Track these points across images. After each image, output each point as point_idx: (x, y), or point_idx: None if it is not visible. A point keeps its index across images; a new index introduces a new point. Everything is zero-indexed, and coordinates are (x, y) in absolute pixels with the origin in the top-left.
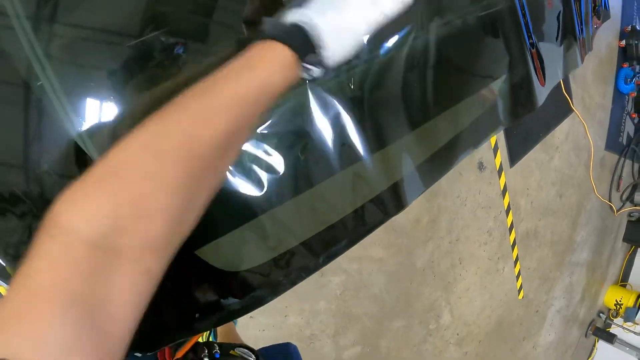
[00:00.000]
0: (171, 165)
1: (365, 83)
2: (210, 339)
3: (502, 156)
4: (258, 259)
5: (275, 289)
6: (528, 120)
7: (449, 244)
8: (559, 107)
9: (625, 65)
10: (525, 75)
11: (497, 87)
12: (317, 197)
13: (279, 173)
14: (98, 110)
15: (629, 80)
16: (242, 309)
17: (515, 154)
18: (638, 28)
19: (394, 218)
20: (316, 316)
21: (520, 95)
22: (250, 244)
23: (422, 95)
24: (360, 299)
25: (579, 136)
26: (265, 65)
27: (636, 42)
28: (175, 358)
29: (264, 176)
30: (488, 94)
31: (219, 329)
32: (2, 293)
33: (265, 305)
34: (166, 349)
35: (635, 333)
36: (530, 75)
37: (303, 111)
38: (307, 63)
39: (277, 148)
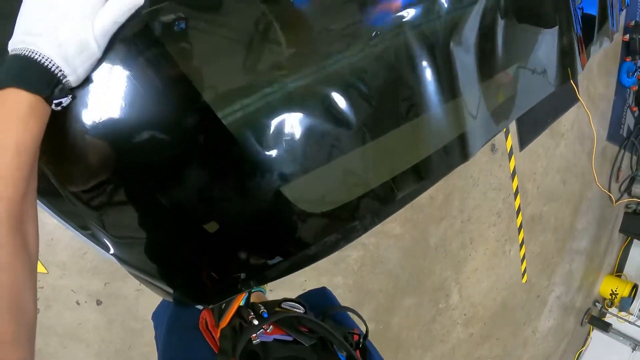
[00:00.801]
0: None
1: (446, 32)
2: None
3: (512, 140)
4: (336, 201)
5: (348, 234)
6: (538, 106)
7: (460, 223)
8: (566, 95)
9: (628, 59)
10: (571, 43)
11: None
12: (394, 142)
13: (360, 116)
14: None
15: (631, 74)
16: (316, 254)
17: (525, 138)
18: None
19: None
20: (334, 291)
21: (566, 61)
22: (330, 186)
23: (493, 48)
24: (376, 274)
25: (583, 125)
26: (9, 123)
27: (639, 37)
28: (220, 327)
29: (347, 116)
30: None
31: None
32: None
33: (285, 279)
34: (207, 317)
35: (629, 322)
36: (574, 45)
37: (387, 55)
38: (55, 99)
39: (363, 88)
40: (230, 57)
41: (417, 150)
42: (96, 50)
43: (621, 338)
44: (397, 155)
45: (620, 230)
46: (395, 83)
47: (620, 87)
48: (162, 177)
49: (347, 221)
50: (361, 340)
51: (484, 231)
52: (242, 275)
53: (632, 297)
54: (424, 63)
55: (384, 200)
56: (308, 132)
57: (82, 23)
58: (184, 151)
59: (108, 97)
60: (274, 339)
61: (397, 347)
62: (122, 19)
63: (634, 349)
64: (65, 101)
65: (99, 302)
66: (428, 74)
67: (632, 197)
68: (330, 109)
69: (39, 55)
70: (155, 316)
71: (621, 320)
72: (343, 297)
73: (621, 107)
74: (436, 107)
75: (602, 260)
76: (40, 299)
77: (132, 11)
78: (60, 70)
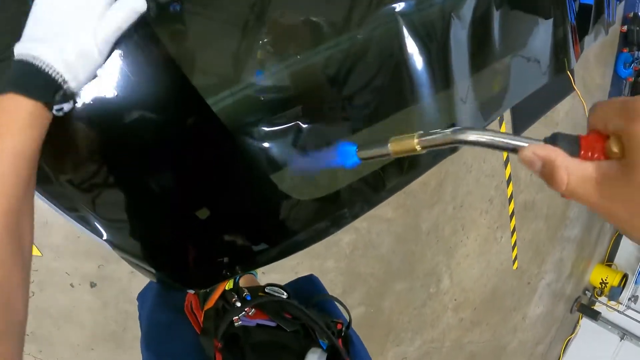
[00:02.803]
0: None
1: (439, 22)
2: None
3: (506, 127)
4: (325, 189)
5: (337, 221)
6: (532, 95)
7: (453, 209)
8: (562, 85)
9: (625, 50)
10: (564, 37)
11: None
12: (385, 131)
13: (350, 104)
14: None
15: (627, 65)
16: (305, 241)
17: (519, 127)
18: None
19: None
20: (325, 274)
21: (559, 54)
22: (320, 173)
23: (487, 39)
24: (368, 258)
25: (578, 115)
26: (9, 131)
27: (637, 28)
28: (205, 309)
29: (337, 104)
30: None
31: (241, 283)
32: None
33: (277, 262)
34: (193, 302)
35: (618, 312)
36: (568, 37)
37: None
38: (56, 104)
39: (354, 76)
40: (221, 43)
41: None
42: (97, 57)
43: (610, 327)
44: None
45: None
46: (387, 72)
47: (617, 78)
48: (151, 162)
49: (336, 208)
50: (344, 329)
51: (476, 217)
52: (230, 261)
53: (621, 286)
54: (417, 52)
55: (373, 188)
56: (298, 120)
57: (85, 30)
58: (172, 137)
59: (96, 81)
60: (257, 324)
61: (388, 331)
62: (125, 25)
63: (622, 338)
64: (67, 107)
65: (92, 285)
66: (420, 63)
67: None
68: (321, 96)
69: (40, 62)
70: (141, 297)
71: (610, 309)
72: (335, 281)
73: (616, 96)
74: (427, 97)
75: (593, 250)
76: (34, 282)
77: (135, 18)
78: (61, 77)
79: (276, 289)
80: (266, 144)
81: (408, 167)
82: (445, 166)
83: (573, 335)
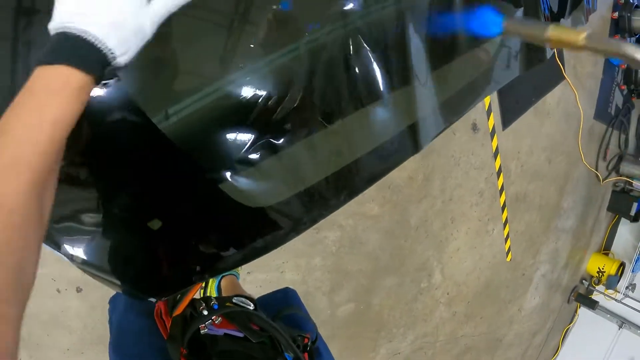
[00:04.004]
0: None
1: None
2: (215, 294)
3: (495, 119)
4: (281, 195)
5: (296, 227)
6: (521, 85)
7: (442, 203)
8: (551, 74)
9: (617, 37)
10: None
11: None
12: (340, 134)
13: (302, 108)
14: None
15: None
16: (265, 247)
17: (507, 118)
18: (631, 1)
19: (389, 175)
20: (312, 272)
21: (532, 47)
22: (274, 180)
23: (444, 35)
24: (355, 255)
25: (569, 104)
26: (55, 100)
27: (628, 14)
28: (173, 315)
29: (291, 109)
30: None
31: (223, 286)
32: None
33: (262, 261)
34: (162, 306)
35: (616, 300)
36: None
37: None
38: (104, 79)
39: (301, 83)
40: (163, 64)
41: (364, 143)
42: (149, 35)
43: (608, 316)
44: (345, 147)
45: (608, 209)
46: (343, 73)
47: (609, 66)
48: (107, 172)
49: (293, 215)
50: (309, 344)
51: (466, 210)
52: (193, 268)
53: (619, 275)
54: (372, 53)
55: (331, 193)
56: (252, 127)
57: (141, 6)
58: (124, 151)
59: None
60: (225, 334)
61: (379, 327)
62: (175, 8)
63: (620, 327)
64: (111, 82)
65: (79, 289)
66: (377, 62)
67: (620, 176)
68: (273, 103)
69: (93, 37)
70: (112, 301)
71: (608, 298)
72: (322, 279)
73: (609, 85)
74: (385, 96)
75: (589, 239)
76: None
77: (184, 2)
78: (112, 53)
79: (243, 299)
80: (219, 152)
81: (359, 173)
82: (431, 160)
83: (571, 324)
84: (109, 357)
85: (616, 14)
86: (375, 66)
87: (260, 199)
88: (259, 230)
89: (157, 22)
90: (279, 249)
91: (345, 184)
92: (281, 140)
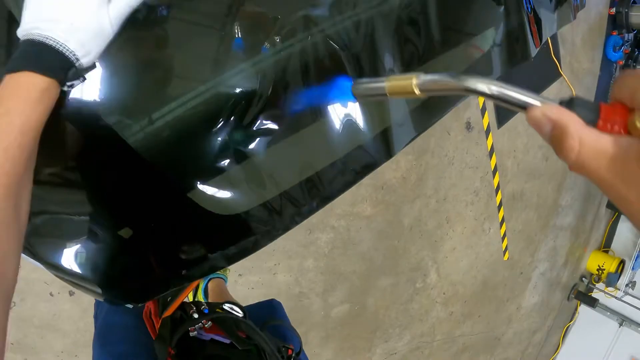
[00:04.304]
0: None
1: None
2: (202, 299)
3: (489, 117)
4: (251, 202)
5: (268, 234)
6: (517, 83)
7: (436, 202)
8: (547, 71)
9: (614, 33)
10: (521, 25)
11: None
12: (310, 139)
13: (272, 113)
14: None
15: (617, 48)
16: (238, 254)
17: (502, 116)
18: None
19: (382, 175)
20: (305, 274)
21: (515, 46)
22: (244, 187)
23: (414, 38)
24: (348, 256)
25: None
26: (20, 106)
27: (626, 10)
28: (162, 317)
29: (256, 117)
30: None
31: (210, 289)
32: None
33: (254, 263)
34: (151, 306)
35: (616, 298)
36: (524, 26)
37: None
38: (68, 81)
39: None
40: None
41: (334, 150)
42: (111, 34)
43: (608, 313)
44: (316, 153)
45: (607, 206)
46: (311, 79)
47: (606, 62)
48: (77, 181)
49: (265, 221)
50: (293, 355)
51: (461, 210)
52: (167, 275)
53: (619, 272)
54: (343, 54)
55: (303, 199)
56: (219, 136)
57: (99, 7)
58: (95, 158)
59: None
60: (212, 339)
61: (375, 327)
62: (137, 2)
63: (620, 324)
64: (77, 83)
65: (71, 293)
66: (347, 65)
67: None
68: (241, 111)
69: (54, 41)
70: (98, 303)
71: (608, 295)
72: (315, 280)
73: (607, 81)
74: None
75: (588, 236)
76: (14, 293)
77: None
78: (75, 55)
79: (234, 307)
80: (186, 160)
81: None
82: (425, 159)
83: (572, 322)
84: (93, 350)
85: (613, 10)
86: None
87: (231, 206)
88: (231, 238)
89: (119, 21)
90: (270, 250)
91: (317, 191)
92: (251, 148)
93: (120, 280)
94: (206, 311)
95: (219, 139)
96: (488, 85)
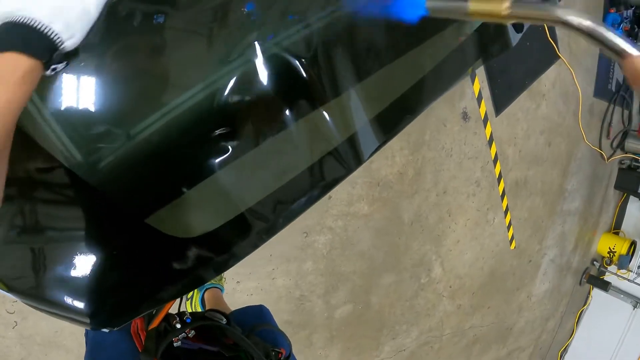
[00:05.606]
0: None
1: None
2: (199, 309)
3: (486, 106)
4: (213, 223)
5: (235, 254)
6: (513, 68)
7: (436, 196)
8: (545, 54)
9: (612, 10)
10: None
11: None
12: (270, 154)
13: (228, 131)
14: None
15: (616, 26)
16: (204, 275)
17: (500, 103)
18: None
19: (377, 172)
20: (304, 277)
21: (492, 34)
22: (203, 208)
23: (377, 36)
24: (347, 256)
25: (566, 83)
26: (3, 85)
27: None
28: (148, 329)
29: (214, 135)
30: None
31: (206, 299)
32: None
33: (252, 269)
34: (138, 322)
35: (629, 280)
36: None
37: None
38: (53, 64)
39: (225, 105)
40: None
41: (295, 164)
42: (94, 16)
43: (622, 296)
44: (276, 169)
45: (615, 187)
46: (268, 93)
47: None
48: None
49: (228, 241)
50: (283, 358)
51: (462, 202)
52: (135, 299)
53: (630, 254)
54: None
55: (268, 216)
56: (176, 157)
57: None
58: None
59: None
60: (200, 348)
61: (380, 325)
62: None
63: (635, 307)
64: (60, 67)
65: None
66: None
67: (626, 153)
68: (198, 129)
69: (39, 23)
70: None
71: (621, 278)
72: (315, 282)
73: (608, 61)
74: (319, 109)
75: (597, 219)
76: (16, 312)
77: None
78: (59, 37)
79: (216, 314)
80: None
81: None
82: (421, 153)
83: (585, 307)
84: None
85: None
86: (305, 79)
87: (191, 228)
88: (194, 260)
89: (102, 3)
90: (267, 255)
91: (282, 207)
92: (209, 167)
93: (87, 307)
94: (188, 320)
95: (172, 163)
96: (580, 19)
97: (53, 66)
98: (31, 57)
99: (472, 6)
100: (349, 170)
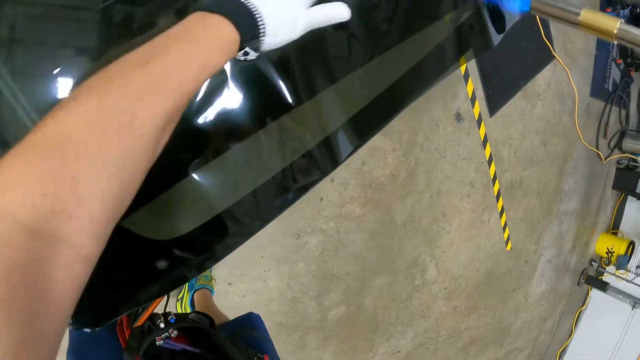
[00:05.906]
0: (114, 145)
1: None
2: (189, 309)
3: (480, 106)
4: (187, 226)
5: (211, 256)
6: (507, 69)
7: (429, 197)
8: (540, 54)
9: (609, 9)
10: (477, 11)
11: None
12: (243, 157)
13: (200, 134)
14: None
15: None
16: (183, 276)
17: (494, 104)
18: None
19: (369, 174)
20: (297, 279)
21: (472, 34)
22: (177, 211)
23: (357, 34)
24: (340, 258)
25: (562, 83)
26: (209, 43)
27: None
28: (133, 327)
29: (186, 138)
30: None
31: (196, 301)
32: None
33: (243, 271)
34: (124, 320)
35: (627, 281)
36: (482, 12)
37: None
38: (248, 47)
39: (196, 107)
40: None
41: (269, 165)
42: (297, 34)
43: (620, 296)
44: (251, 171)
45: (614, 187)
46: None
47: (603, 40)
48: None
49: (205, 243)
50: None
51: (456, 203)
52: (115, 301)
53: (628, 254)
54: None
55: (243, 219)
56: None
57: (303, 6)
58: None
59: None
60: (183, 349)
61: (374, 327)
62: (327, 23)
63: (633, 307)
64: (251, 55)
65: None
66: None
67: (623, 153)
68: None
69: (254, 7)
70: None
71: (619, 278)
72: (307, 284)
73: (605, 60)
74: (290, 112)
75: (595, 219)
76: None
77: (335, 21)
78: (264, 28)
79: (200, 317)
80: None
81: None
82: (414, 154)
83: (584, 307)
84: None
85: None
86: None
87: (167, 230)
88: (172, 261)
89: (308, 27)
90: (257, 257)
91: (257, 211)
92: (184, 169)
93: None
94: (172, 321)
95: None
96: None
97: (247, 49)
98: (237, 28)
99: (584, 17)
100: (324, 173)
